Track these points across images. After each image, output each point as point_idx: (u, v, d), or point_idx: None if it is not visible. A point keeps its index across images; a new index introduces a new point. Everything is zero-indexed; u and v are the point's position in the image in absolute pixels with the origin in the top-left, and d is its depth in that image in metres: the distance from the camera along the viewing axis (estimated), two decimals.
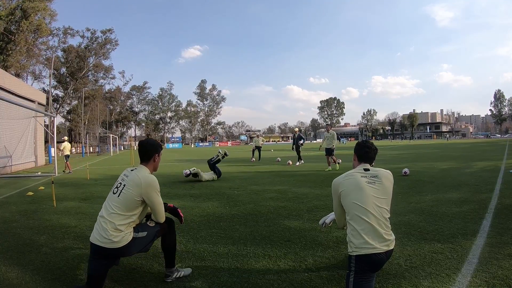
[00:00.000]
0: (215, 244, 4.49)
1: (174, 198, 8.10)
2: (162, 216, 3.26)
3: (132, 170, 3.21)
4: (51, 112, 56.88)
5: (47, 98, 36.83)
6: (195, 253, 4.16)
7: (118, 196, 3.05)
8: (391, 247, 2.83)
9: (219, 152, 12.39)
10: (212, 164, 11.76)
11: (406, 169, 11.44)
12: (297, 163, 17.13)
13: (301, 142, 18.09)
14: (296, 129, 19.43)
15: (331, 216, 3.57)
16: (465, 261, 3.66)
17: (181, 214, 3.71)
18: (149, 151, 3.27)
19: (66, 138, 18.80)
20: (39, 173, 16.80)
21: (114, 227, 2.93)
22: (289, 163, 17.49)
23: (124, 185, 3.09)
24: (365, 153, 3.13)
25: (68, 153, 17.72)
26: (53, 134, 17.58)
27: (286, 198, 7.71)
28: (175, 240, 3.52)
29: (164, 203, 3.35)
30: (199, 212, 6.52)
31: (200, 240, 4.71)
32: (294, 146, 18.24)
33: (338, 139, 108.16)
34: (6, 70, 34.39)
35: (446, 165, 14.98)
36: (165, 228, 3.37)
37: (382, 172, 3.01)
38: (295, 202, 7.27)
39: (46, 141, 30.14)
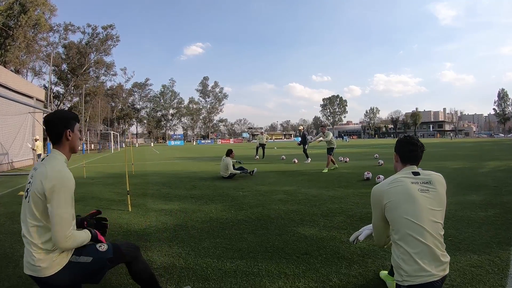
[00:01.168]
0: (220, 258, 3.86)
1: (174, 200, 7.50)
2: (61, 234, 2.10)
3: (42, 160, 2.32)
4: (51, 109, 56.53)
5: (48, 95, 36.30)
6: (196, 270, 3.53)
7: (28, 201, 2.20)
8: (447, 271, 2.23)
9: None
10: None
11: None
12: (307, 161, 16.75)
13: (301, 141, 17.70)
14: (301, 127, 18.83)
15: (365, 231, 2.83)
16: (508, 276, 3.23)
17: (99, 237, 2.51)
18: (56, 126, 2.31)
19: (37, 137, 18.41)
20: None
21: (37, 247, 2.14)
22: (294, 161, 16.86)
23: (31, 182, 2.23)
24: (409, 151, 2.48)
25: (41, 152, 17.28)
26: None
27: (297, 201, 7.07)
28: (148, 267, 2.71)
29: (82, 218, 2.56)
30: (201, 216, 5.89)
31: (202, 252, 4.08)
32: (302, 143, 17.82)
33: (341, 137, 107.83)
34: (5, 66, 33.87)
35: (457, 164, 14.51)
36: (125, 255, 2.52)
37: (435, 176, 2.39)
38: (307, 205, 6.63)
39: (45, 138, 29.57)
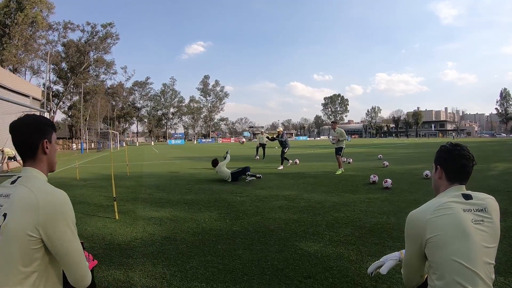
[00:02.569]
0: (209, 282, 3.30)
1: (166, 206, 6.96)
2: (83, 272, 1.59)
3: (14, 182, 1.61)
4: (50, 108, 56.06)
5: (47, 94, 35.86)
6: None
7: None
8: None
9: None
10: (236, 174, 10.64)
11: (428, 171, 10.27)
12: (280, 167, 14.55)
13: (281, 144, 15.37)
14: (280, 128, 16.66)
15: (388, 263, 2.12)
16: None
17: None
18: (30, 136, 1.66)
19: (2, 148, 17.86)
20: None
21: None
22: (296, 162, 16.31)
23: (5, 214, 1.51)
24: (462, 167, 1.82)
25: (11, 155, 16.91)
26: None
27: (299, 208, 6.51)
28: None
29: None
30: (193, 227, 5.33)
31: (189, 273, 3.53)
32: (281, 146, 15.46)
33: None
34: (1, 65, 33.41)
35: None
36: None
37: (490, 201, 1.76)
38: (309, 213, 6.06)
39: None
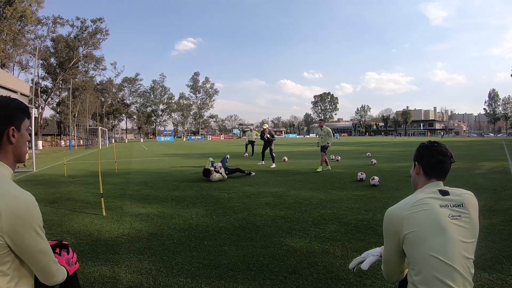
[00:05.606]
0: (194, 277, 3.31)
1: (153, 202, 6.94)
2: (51, 271, 1.52)
3: None
4: (38, 104, 55.33)
5: (35, 90, 35.40)
6: None
7: None
8: None
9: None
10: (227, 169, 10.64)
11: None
12: (273, 165, 13.97)
13: (265, 141, 14.75)
14: (266, 126, 15.68)
15: (370, 259, 2.14)
16: None
17: (69, 265, 1.81)
18: None
19: None
20: (17, 168, 15.55)
21: None
22: (284, 159, 16.40)
23: None
24: (438, 163, 1.86)
25: None
26: (31, 126, 16.21)
27: (286, 205, 6.54)
28: None
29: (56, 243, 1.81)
30: (180, 223, 5.33)
31: (175, 269, 3.53)
32: (266, 143, 14.86)
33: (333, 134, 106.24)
34: None
35: (452, 164, 14.00)
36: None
37: (467, 196, 1.78)
38: (296, 210, 6.11)
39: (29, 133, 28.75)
